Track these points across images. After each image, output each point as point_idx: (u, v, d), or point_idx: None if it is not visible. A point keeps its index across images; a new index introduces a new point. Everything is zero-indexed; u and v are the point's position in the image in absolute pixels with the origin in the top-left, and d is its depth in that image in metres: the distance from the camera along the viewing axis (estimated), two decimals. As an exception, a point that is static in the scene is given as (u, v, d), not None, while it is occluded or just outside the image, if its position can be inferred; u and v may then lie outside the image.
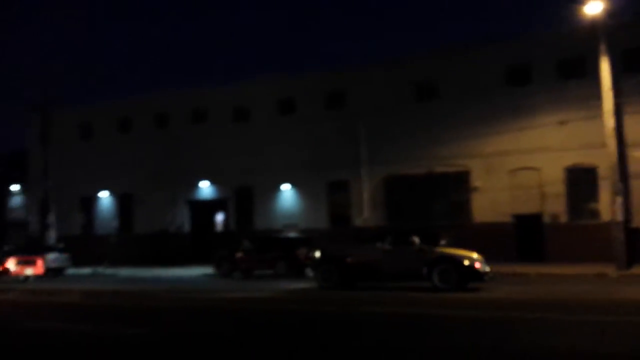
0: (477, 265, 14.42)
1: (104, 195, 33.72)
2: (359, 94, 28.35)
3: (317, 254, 16.62)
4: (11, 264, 24.11)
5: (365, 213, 27.56)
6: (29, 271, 23.87)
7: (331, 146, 28.15)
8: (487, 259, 15.25)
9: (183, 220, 31.93)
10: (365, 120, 27.31)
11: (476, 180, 25.79)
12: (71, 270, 26.54)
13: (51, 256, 26.36)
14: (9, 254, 25.20)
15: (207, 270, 23.98)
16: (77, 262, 27.26)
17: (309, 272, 19.52)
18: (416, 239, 15.11)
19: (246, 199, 30.54)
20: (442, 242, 15.48)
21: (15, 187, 37.57)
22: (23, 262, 24.06)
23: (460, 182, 26.17)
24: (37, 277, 23.70)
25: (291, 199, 29.68)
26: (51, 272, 25.70)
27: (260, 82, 30.95)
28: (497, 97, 24.99)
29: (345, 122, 27.81)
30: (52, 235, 30.76)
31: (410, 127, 26.51)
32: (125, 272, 25.91)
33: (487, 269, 14.68)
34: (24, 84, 30.24)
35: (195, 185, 31.53)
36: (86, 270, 26.73)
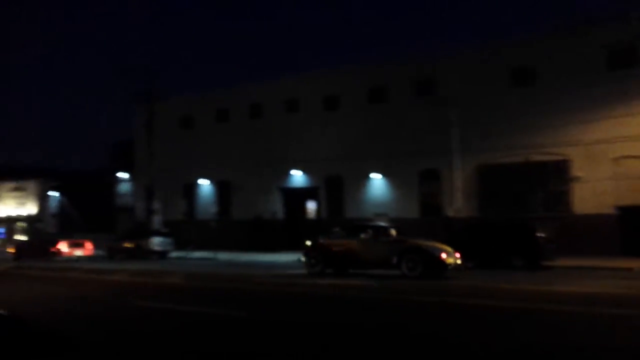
0: (443, 256, 15.64)
1: (205, 182, 35.50)
2: (450, 80, 27.82)
3: (308, 242, 18.41)
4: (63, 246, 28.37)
5: (457, 203, 27.12)
6: (79, 252, 28.70)
7: (422, 134, 27.87)
8: (588, 252, 14.65)
9: (277, 207, 32.96)
10: (458, 107, 26.78)
11: (577, 170, 24.58)
12: (174, 254, 28.37)
13: (156, 240, 28.36)
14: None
15: (300, 256, 24.64)
16: (179, 246, 29.09)
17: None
18: (392, 231, 16.95)
19: (336, 187, 31.00)
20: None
21: (123, 175, 40.43)
22: (73, 245, 28.94)
23: (559, 171, 25.06)
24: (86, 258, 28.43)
25: (381, 188, 29.77)
26: (156, 255, 27.68)
27: (350, 71, 31.18)
28: (599, 82, 23.57)
29: (436, 110, 27.40)
30: (157, 220, 32.87)
31: (505, 114, 25.70)
32: (223, 256, 27.22)
33: (452, 260, 15.88)
34: (129, 78, 32.29)
35: (287, 174, 32.43)
36: (191, 255, 28.32)
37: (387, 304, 11.52)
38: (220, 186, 34.98)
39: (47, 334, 3.28)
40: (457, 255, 16.28)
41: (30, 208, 45.63)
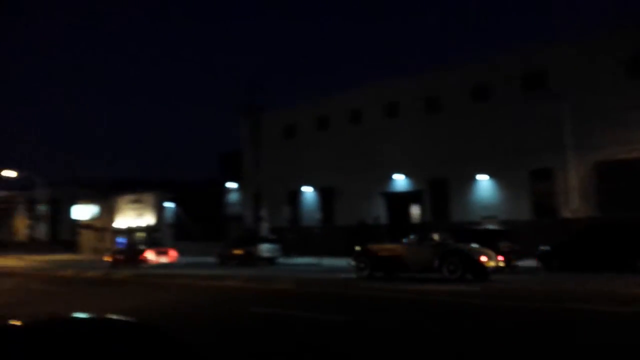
0: (483, 259, 16.21)
1: (308, 189, 36.11)
2: (561, 72, 26.23)
3: (357, 248, 19.65)
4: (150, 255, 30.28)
5: (574, 203, 25.44)
6: (163, 259, 30.53)
7: (532, 131, 26.50)
8: None
9: (379, 212, 32.77)
10: (570, 101, 25.17)
11: None
12: (281, 260, 29.04)
13: (264, 247, 29.18)
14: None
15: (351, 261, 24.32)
16: (286, 252, 29.74)
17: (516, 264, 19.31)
18: (435, 236, 17.91)
19: (441, 190, 30.26)
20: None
21: (231, 185, 42.12)
22: (159, 253, 30.96)
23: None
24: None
25: (489, 189, 28.65)
26: (264, 261, 28.45)
27: (451, 70, 30.40)
28: None
29: (546, 104, 25.93)
30: (264, 228, 33.85)
31: (624, 107, 23.78)
32: (327, 262, 27.46)
33: (494, 263, 16.56)
34: (236, 92, 33.69)
35: (389, 178, 32.15)
36: (294, 260, 28.89)
37: (473, 310, 10.98)
38: (323, 192, 35.39)
39: (179, 343, 3.17)
40: (500, 258, 17.23)
41: (148, 219, 48.79)
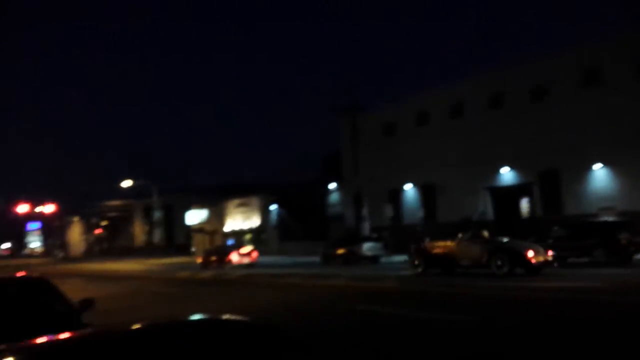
0: (529, 254, 16.38)
1: (409, 187, 35.63)
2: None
3: (412, 246, 20.46)
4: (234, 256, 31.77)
5: None
6: (246, 260, 31.88)
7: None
8: None
9: (485, 207, 31.61)
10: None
11: None
12: (383, 258, 28.85)
13: (367, 245, 29.15)
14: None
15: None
16: (389, 251, 29.51)
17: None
18: (485, 233, 18.68)
19: (552, 182, 28.61)
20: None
21: (332, 185, 42.58)
22: (242, 255, 32.34)
23: None
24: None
25: (605, 178, 26.68)
26: (367, 260, 28.40)
27: (560, 56, 28.66)
28: None
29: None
30: (366, 227, 33.85)
31: None
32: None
33: (541, 258, 16.57)
34: (335, 93, 34.02)
35: (495, 172, 30.92)
36: (397, 258, 28.64)
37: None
38: (425, 190, 34.74)
39: (300, 344, 3.14)
40: (550, 253, 17.15)
41: (254, 221, 50.58)
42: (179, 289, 19.61)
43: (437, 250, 19.21)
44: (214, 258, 32.84)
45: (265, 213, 49.05)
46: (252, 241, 50.50)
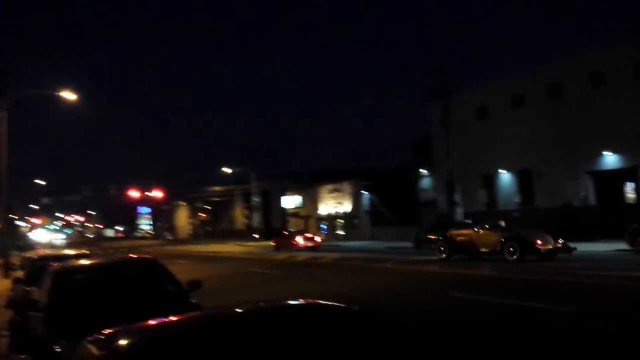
0: (539, 242, 18.16)
1: (504, 171, 34.70)
2: None
3: (439, 234, 22.79)
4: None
5: None
6: (309, 244, 34.81)
7: None
8: None
9: (587, 192, 30.17)
10: None
11: None
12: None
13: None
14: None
15: (620, 245, 22.12)
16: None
17: None
18: (502, 222, 20.49)
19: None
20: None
21: (423, 171, 42.25)
22: (306, 239, 35.59)
23: None
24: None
25: None
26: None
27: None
28: None
29: None
30: (459, 212, 33.44)
31: None
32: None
33: (550, 246, 18.28)
34: (425, 77, 33.67)
35: (596, 156, 29.35)
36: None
37: None
38: (521, 174, 33.65)
39: (408, 332, 2.92)
40: (560, 241, 18.71)
41: (346, 206, 51.37)
42: (276, 271, 20.70)
43: (459, 238, 21.19)
44: (284, 241, 36.57)
45: (356, 198, 49.64)
46: (344, 226, 51.37)
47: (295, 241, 35.48)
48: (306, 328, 2.72)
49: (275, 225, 64.54)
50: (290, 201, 61.09)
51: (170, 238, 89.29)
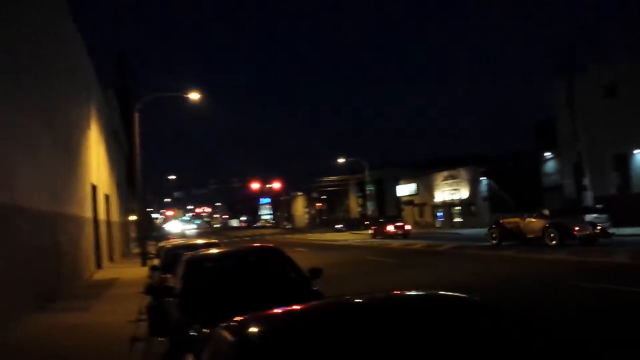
0: (576, 229, 20.09)
1: (639, 152, 31.86)
2: None
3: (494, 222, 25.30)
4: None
5: None
6: (399, 231, 36.94)
7: None
8: None
9: None
10: None
11: None
12: (611, 230, 26.35)
13: (589, 217, 26.92)
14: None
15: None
16: (615, 223, 26.85)
17: None
18: (545, 211, 22.66)
19: None
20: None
21: (547, 154, 39.92)
22: (396, 227, 37.42)
23: None
24: None
25: None
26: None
27: None
28: None
29: None
30: (588, 197, 31.23)
31: None
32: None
33: (588, 232, 20.16)
34: (548, 56, 31.68)
35: None
36: (626, 230, 26.00)
37: None
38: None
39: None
40: (598, 227, 20.51)
41: (463, 193, 49.97)
42: (392, 259, 20.72)
43: (509, 226, 23.30)
44: (378, 229, 38.60)
45: (474, 185, 48.11)
46: (460, 213, 50.03)
47: (387, 229, 37.40)
48: (429, 320, 2.67)
49: (390, 213, 64.46)
50: (404, 189, 60.65)
51: (289, 227, 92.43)
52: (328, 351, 2.38)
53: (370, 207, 62.79)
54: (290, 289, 6.36)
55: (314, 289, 6.48)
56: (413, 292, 3.28)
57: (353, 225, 62.36)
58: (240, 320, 2.86)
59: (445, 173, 52.65)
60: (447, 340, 2.46)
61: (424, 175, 56.37)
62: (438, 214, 53.82)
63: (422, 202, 56.70)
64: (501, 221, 24.18)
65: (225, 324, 2.90)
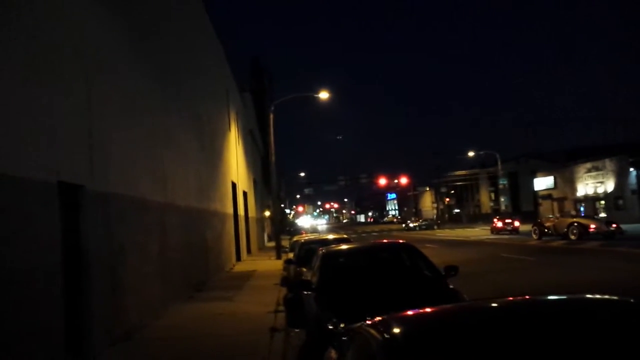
0: (592, 226, 25.65)
1: None
2: None
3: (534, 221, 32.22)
4: None
5: None
6: (509, 227, 37.23)
7: None
8: None
9: None
10: None
11: None
12: None
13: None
14: None
15: None
16: None
17: None
18: (572, 211, 33.69)
19: None
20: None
21: None
22: (505, 223, 38.02)
23: None
24: None
25: None
26: None
27: None
28: None
29: None
30: None
31: None
32: None
33: (604, 229, 25.32)
34: None
35: None
36: None
37: None
38: None
39: None
40: (614, 226, 25.57)
41: (608, 186, 45.97)
42: (530, 256, 19.68)
43: (547, 224, 28.83)
44: (503, 225, 38.26)
45: (621, 176, 44.04)
46: (606, 208, 46.06)
47: (495, 225, 37.87)
48: (587, 327, 2.43)
49: (525, 208, 61.17)
50: (541, 182, 57.18)
51: (415, 223, 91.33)
52: (480, 358, 2.28)
53: (504, 202, 60.05)
54: (426, 287, 6.29)
55: (451, 287, 6.37)
56: (568, 296, 3.04)
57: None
58: (388, 319, 2.85)
59: (588, 165, 48.83)
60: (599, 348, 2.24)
61: (563, 167, 52.75)
62: (581, 209, 50.13)
63: (562, 196, 53.07)
64: (540, 220, 31.29)
65: (371, 322, 2.91)
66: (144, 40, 10.06)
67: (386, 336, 2.58)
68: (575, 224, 26.21)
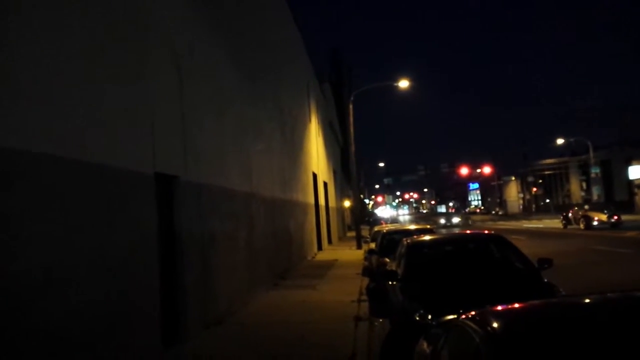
0: (596, 218, 29.73)
1: None
2: None
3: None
4: None
5: None
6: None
7: None
8: None
9: None
10: None
11: None
12: None
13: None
14: None
15: None
16: None
17: None
18: (586, 206, 35.95)
19: None
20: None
21: None
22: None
23: None
24: None
25: None
26: None
27: None
28: None
29: None
30: None
31: None
32: None
33: (604, 219, 29.44)
34: None
35: None
36: None
37: None
38: None
39: None
40: (615, 217, 29.43)
41: None
42: (626, 249, 18.55)
43: (571, 215, 32.59)
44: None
45: None
46: None
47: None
48: None
49: (619, 198, 57.65)
50: (637, 171, 53.59)
51: (501, 213, 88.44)
52: (582, 354, 2.22)
53: (596, 192, 56.82)
54: (519, 280, 6.05)
55: (545, 280, 6.07)
56: None
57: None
58: (489, 312, 2.80)
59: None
60: None
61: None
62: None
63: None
64: (567, 212, 34.64)
65: (470, 315, 2.86)
66: (231, 32, 10.36)
67: (489, 330, 2.53)
68: (582, 215, 28.49)
